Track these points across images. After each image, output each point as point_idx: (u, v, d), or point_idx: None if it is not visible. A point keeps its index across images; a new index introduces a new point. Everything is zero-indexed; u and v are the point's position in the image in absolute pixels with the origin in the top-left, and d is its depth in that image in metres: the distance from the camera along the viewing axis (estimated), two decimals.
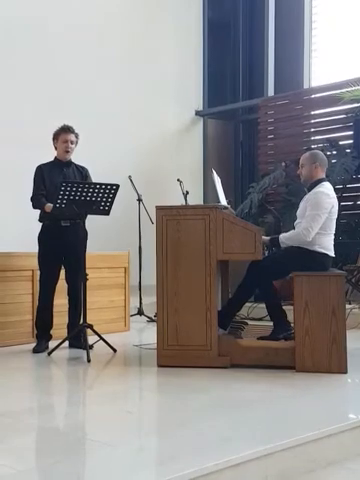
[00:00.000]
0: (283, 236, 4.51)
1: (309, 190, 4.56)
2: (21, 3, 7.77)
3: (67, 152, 5.09)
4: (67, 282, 5.13)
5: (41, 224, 5.11)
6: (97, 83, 8.47)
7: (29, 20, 7.85)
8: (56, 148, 5.13)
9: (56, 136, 5.09)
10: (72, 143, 5.08)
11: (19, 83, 7.70)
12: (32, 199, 5.06)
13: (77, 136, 5.11)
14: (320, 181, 4.55)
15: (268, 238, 4.56)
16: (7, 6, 7.66)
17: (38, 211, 5.09)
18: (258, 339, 4.51)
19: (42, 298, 5.10)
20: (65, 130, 5.07)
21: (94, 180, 5.15)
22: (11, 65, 7.70)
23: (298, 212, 4.60)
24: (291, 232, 4.55)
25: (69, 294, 5.14)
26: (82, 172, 5.20)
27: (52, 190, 4.95)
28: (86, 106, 8.19)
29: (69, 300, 5.14)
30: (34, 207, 5.06)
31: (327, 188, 4.53)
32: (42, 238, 5.08)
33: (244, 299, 4.68)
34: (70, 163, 5.17)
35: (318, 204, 4.39)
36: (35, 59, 7.90)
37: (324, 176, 4.64)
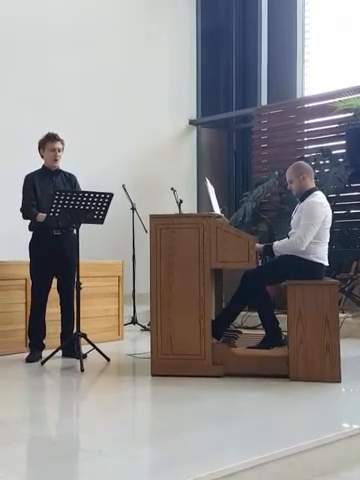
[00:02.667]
0: (277, 245, 4.52)
1: (302, 200, 4.57)
2: (19, 11, 7.79)
3: (56, 160, 5.06)
4: (59, 291, 5.11)
5: (32, 233, 5.08)
6: (91, 92, 8.48)
7: (25, 32, 7.87)
8: (43, 157, 5.10)
9: (42, 145, 5.06)
10: (59, 151, 5.05)
11: (14, 92, 7.70)
12: (22, 210, 5.01)
13: (63, 143, 5.07)
14: (312, 191, 4.56)
15: (262, 246, 4.57)
16: (4, 13, 7.68)
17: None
18: (247, 348, 4.50)
19: (35, 307, 5.07)
20: (51, 138, 5.03)
21: (85, 188, 5.12)
22: (8, 74, 7.70)
23: (292, 222, 4.60)
24: (285, 241, 4.56)
25: (62, 303, 5.12)
26: (71, 179, 5.17)
27: (43, 199, 4.93)
28: (80, 115, 8.20)
29: (62, 309, 5.12)
30: (25, 218, 5.02)
31: (320, 197, 4.54)
32: (33, 247, 5.05)
33: (238, 309, 4.68)
34: (59, 171, 5.14)
35: (312, 214, 4.39)
36: (30, 68, 7.90)
37: (314, 184, 4.65)
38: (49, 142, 5.02)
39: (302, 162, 4.87)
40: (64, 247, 4.96)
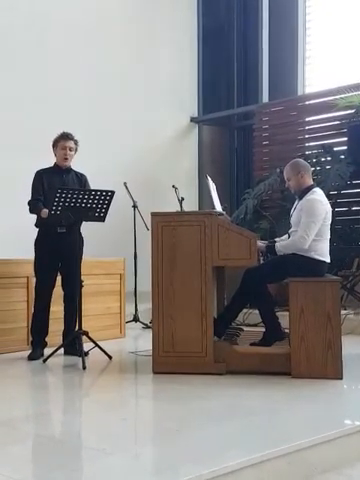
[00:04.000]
0: (280, 244, 4.52)
1: (300, 198, 4.57)
2: (20, 12, 7.79)
3: (66, 159, 5.09)
4: (63, 288, 5.12)
5: (37, 230, 5.11)
6: (93, 90, 8.47)
7: (26, 32, 7.87)
8: (55, 155, 5.14)
9: (55, 143, 5.11)
10: (71, 150, 5.10)
11: (16, 90, 7.70)
12: (29, 203, 5.06)
13: (76, 143, 5.13)
14: (310, 188, 4.56)
15: (264, 245, 4.57)
16: (8, 15, 7.69)
17: (34, 217, 5.08)
18: (250, 345, 4.51)
19: (38, 305, 5.08)
20: (64, 137, 5.09)
21: (91, 187, 5.16)
22: (10, 73, 7.70)
23: (292, 220, 4.60)
24: (288, 240, 4.56)
25: (65, 301, 5.13)
26: (81, 179, 5.21)
27: (50, 196, 4.95)
28: (81, 113, 8.19)
29: (65, 307, 5.13)
30: (31, 211, 5.06)
31: (319, 194, 4.54)
32: (38, 244, 5.07)
33: (239, 308, 4.69)
34: (70, 170, 5.18)
35: (312, 211, 4.39)
36: (32, 68, 7.90)
37: (312, 182, 4.65)
38: (62, 141, 5.08)
39: (299, 160, 4.87)
40: (68, 244, 4.96)
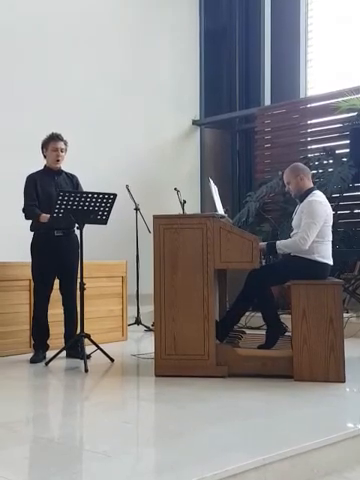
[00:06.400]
0: (280, 243, 4.52)
1: (301, 201, 4.58)
2: (20, 12, 7.81)
3: (58, 161, 5.05)
4: (61, 292, 5.10)
5: (33, 233, 5.07)
6: (94, 93, 8.48)
7: (27, 32, 7.88)
8: (45, 157, 5.09)
9: (45, 145, 5.05)
10: (62, 151, 5.04)
11: (16, 93, 7.71)
12: (24, 210, 5.00)
13: (66, 143, 5.06)
14: (310, 190, 4.57)
15: (265, 244, 4.57)
16: (8, 16, 7.71)
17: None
18: (258, 348, 4.50)
19: (37, 308, 5.07)
20: (54, 138, 5.02)
21: (87, 188, 5.11)
22: (9, 73, 7.71)
23: (293, 223, 4.61)
24: (288, 240, 4.56)
25: (64, 304, 5.11)
26: (72, 180, 5.17)
27: (45, 199, 4.93)
28: (83, 116, 8.20)
29: (64, 310, 5.11)
30: (27, 218, 5.01)
31: (319, 196, 4.55)
32: (35, 248, 5.04)
33: (242, 311, 4.69)
34: (61, 171, 5.13)
35: (313, 213, 4.40)
36: (32, 68, 7.91)
37: (312, 184, 4.66)
38: (52, 142, 5.02)
39: (299, 163, 4.90)
40: (66, 248, 4.96)
